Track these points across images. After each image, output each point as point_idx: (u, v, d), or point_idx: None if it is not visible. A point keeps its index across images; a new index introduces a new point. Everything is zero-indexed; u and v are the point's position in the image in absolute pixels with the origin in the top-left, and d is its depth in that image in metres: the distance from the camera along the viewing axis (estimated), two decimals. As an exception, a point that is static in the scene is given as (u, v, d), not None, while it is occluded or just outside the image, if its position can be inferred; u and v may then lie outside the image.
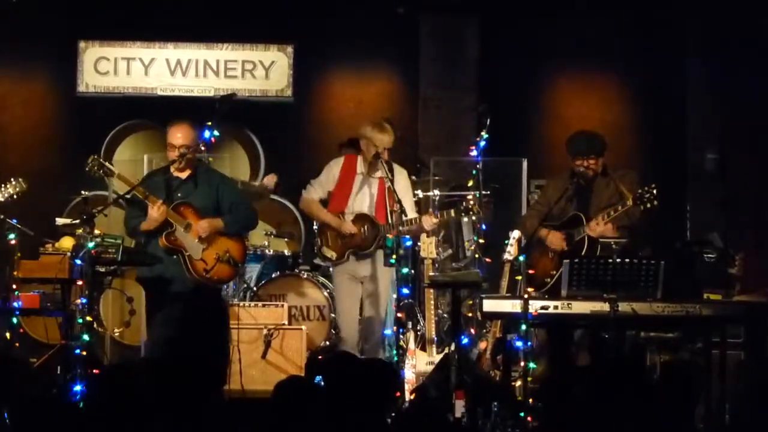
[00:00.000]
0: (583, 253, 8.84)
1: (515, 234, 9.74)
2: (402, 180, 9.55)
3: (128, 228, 9.03)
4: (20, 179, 9.61)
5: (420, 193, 10.68)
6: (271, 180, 11.45)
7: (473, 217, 9.50)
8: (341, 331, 9.65)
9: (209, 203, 8.88)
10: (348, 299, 9.54)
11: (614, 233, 8.92)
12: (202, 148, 9.01)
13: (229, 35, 12.24)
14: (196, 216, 8.79)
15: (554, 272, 8.71)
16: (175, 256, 8.77)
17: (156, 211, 8.66)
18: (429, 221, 9.30)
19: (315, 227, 9.97)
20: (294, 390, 5.92)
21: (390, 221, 9.23)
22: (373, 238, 9.37)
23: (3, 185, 9.60)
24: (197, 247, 8.75)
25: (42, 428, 5.62)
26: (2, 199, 9.56)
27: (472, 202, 9.38)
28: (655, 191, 8.76)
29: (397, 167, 9.57)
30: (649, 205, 8.79)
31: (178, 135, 8.84)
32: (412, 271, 9.69)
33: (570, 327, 8.86)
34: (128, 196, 8.91)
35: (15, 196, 9.56)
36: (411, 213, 9.40)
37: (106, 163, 8.92)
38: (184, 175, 8.91)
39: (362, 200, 9.50)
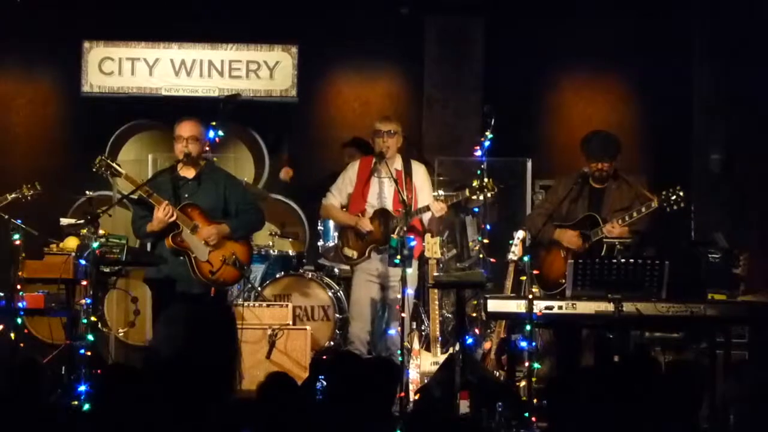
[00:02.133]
0: (602, 254, 8.82)
1: (520, 234, 9.73)
2: (420, 174, 9.70)
3: (135, 229, 9.04)
4: (36, 183, 9.69)
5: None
6: (287, 174, 11.49)
7: (488, 195, 9.48)
8: (351, 330, 9.66)
9: (216, 203, 8.87)
10: (363, 300, 9.59)
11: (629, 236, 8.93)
12: (206, 148, 9.01)
13: (234, 35, 12.24)
14: (203, 217, 8.78)
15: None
16: (181, 257, 8.76)
17: (161, 212, 8.67)
18: (437, 206, 9.36)
19: (335, 232, 10.14)
20: (277, 387, 5.95)
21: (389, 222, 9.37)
22: (390, 233, 9.41)
23: (18, 188, 9.69)
24: (203, 248, 8.75)
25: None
26: (15, 197, 9.61)
27: (486, 180, 9.41)
28: (681, 193, 8.76)
29: (414, 162, 9.78)
30: (675, 207, 8.79)
31: (187, 127, 8.85)
32: (417, 271, 9.68)
33: (575, 327, 8.85)
34: (134, 197, 8.92)
35: (29, 197, 9.63)
36: (428, 201, 9.52)
37: (114, 164, 8.93)
38: (190, 174, 8.90)
39: (381, 199, 9.58)
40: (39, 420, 5.71)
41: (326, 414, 5.80)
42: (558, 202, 9.16)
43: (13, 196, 9.78)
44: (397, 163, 9.59)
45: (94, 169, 8.94)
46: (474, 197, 9.60)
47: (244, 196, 9.14)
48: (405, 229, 9.06)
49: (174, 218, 8.67)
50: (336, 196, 9.78)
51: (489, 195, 9.54)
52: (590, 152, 9.18)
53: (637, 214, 8.88)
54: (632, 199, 9.01)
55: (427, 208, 9.41)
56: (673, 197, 8.77)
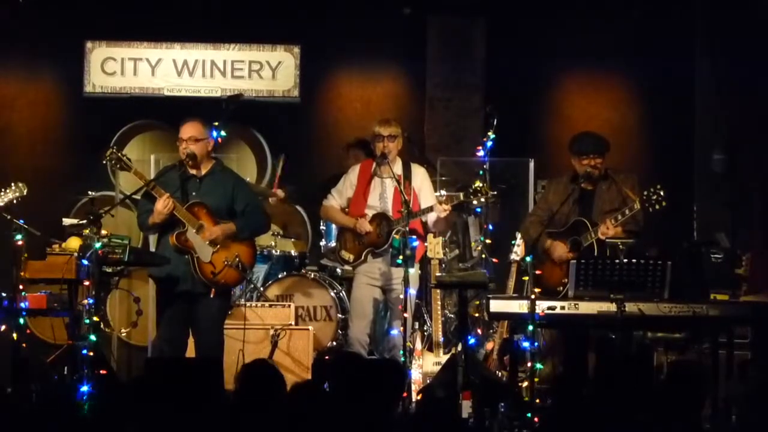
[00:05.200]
0: (596, 255, 8.81)
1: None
2: (419, 175, 9.69)
3: (139, 222, 9.05)
4: (20, 184, 9.61)
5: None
6: (280, 194, 11.46)
7: (482, 199, 9.47)
8: (350, 332, 9.66)
9: (223, 203, 8.85)
10: (364, 300, 9.57)
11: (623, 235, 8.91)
12: (209, 149, 9.00)
13: (236, 36, 12.23)
14: (209, 217, 8.76)
15: (565, 280, 8.65)
16: (185, 256, 8.75)
17: (162, 204, 8.66)
18: (440, 208, 9.35)
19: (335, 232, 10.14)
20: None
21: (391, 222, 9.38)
22: (387, 235, 9.42)
23: (2, 190, 9.61)
24: (207, 249, 8.74)
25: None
26: (1, 204, 9.57)
27: (481, 185, 9.41)
28: (662, 192, 8.74)
29: (414, 165, 9.76)
30: (657, 207, 8.77)
31: (185, 129, 8.86)
32: (419, 271, 9.69)
33: (577, 327, 8.84)
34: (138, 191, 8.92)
35: (15, 201, 9.57)
36: (431, 202, 9.51)
37: (124, 157, 8.93)
38: (198, 172, 8.89)
39: (381, 201, 9.58)
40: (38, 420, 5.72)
41: (331, 414, 5.80)
42: (549, 208, 9.15)
43: None
44: (397, 167, 9.58)
45: (104, 161, 8.96)
46: (472, 200, 9.58)
47: (253, 198, 9.13)
48: (406, 229, 9.05)
49: (172, 209, 8.65)
50: (336, 198, 9.80)
51: (483, 200, 9.53)
52: (581, 149, 9.16)
53: (621, 216, 8.88)
54: (621, 200, 9.01)
55: (431, 209, 9.40)
56: (654, 197, 8.76)
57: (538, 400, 8.32)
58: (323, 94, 12.48)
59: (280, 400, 5.94)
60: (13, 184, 9.61)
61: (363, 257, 9.58)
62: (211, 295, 8.74)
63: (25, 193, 9.57)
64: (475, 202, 9.58)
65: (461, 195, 9.51)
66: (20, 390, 8.69)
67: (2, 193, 9.57)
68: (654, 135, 12.28)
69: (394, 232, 9.37)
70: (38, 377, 9.10)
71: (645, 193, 8.79)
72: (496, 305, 8.53)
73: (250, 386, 6.06)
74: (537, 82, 12.26)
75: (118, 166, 9.00)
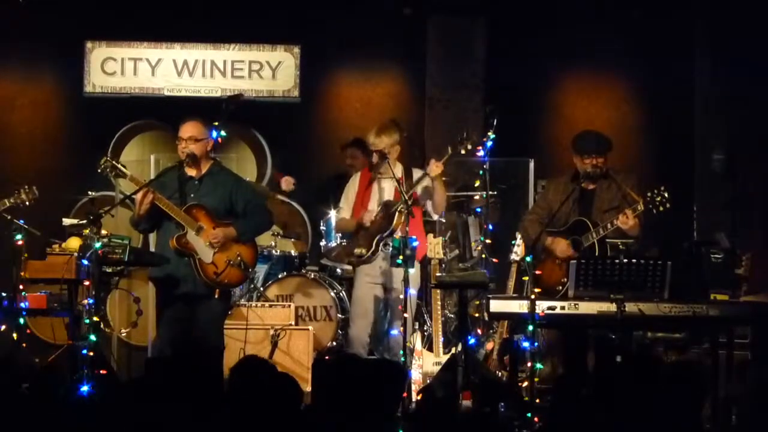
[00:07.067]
0: (597, 255, 8.80)
1: (522, 235, 9.74)
2: (419, 174, 9.60)
3: (131, 221, 9.03)
4: (33, 187, 9.68)
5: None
6: (287, 184, 11.46)
7: (469, 147, 9.44)
8: (351, 332, 9.64)
9: (222, 204, 8.84)
10: (365, 299, 9.55)
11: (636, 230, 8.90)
12: (208, 149, 8.99)
13: (236, 36, 12.23)
14: (209, 218, 8.75)
15: (565, 279, 8.65)
16: (186, 258, 8.74)
17: (141, 194, 8.64)
18: (434, 169, 9.31)
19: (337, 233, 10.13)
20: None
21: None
22: (390, 217, 9.36)
23: (15, 192, 9.67)
24: (208, 250, 8.72)
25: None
26: (13, 203, 9.61)
27: (465, 134, 9.43)
28: (666, 194, 8.73)
29: (415, 170, 9.69)
30: (661, 209, 8.75)
31: (185, 128, 8.85)
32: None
33: (577, 327, 8.84)
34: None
35: (27, 203, 9.63)
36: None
37: (119, 165, 8.91)
38: (197, 173, 8.88)
39: (382, 200, 9.54)
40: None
41: (330, 416, 5.80)
42: (549, 207, 9.14)
43: (12, 201, 9.77)
44: (398, 172, 9.53)
45: (99, 170, 8.93)
46: (460, 150, 9.52)
47: (253, 197, 9.08)
48: (409, 204, 9.01)
49: (152, 199, 8.61)
50: (346, 210, 9.75)
51: (470, 147, 9.52)
52: (583, 148, 9.14)
53: (633, 212, 8.86)
54: (620, 199, 8.99)
55: (425, 175, 9.36)
56: (658, 198, 8.73)
57: (538, 400, 8.32)
58: (323, 94, 12.48)
59: (270, 392, 5.95)
60: (26, 186, 9.69)
61: (374, 246, 9.48)
62: (216, 296, 8.74)
63: (37, 195, 9.64)
64: (463, 151, 9.53)
65: (449, 148, 9.45)
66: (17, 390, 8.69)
67: (15, 195, 9.66)
68: (654, 135, 12.27)
69: (393, 216, 9.33)
70: (34, 377, 9.11)
71: (649, 194, 8.77)
72: (496, 305, 8.54)
73: (239, 381, 6.07)
74: (537, 82, 12.26)
75: (113, 173, 8.96)
